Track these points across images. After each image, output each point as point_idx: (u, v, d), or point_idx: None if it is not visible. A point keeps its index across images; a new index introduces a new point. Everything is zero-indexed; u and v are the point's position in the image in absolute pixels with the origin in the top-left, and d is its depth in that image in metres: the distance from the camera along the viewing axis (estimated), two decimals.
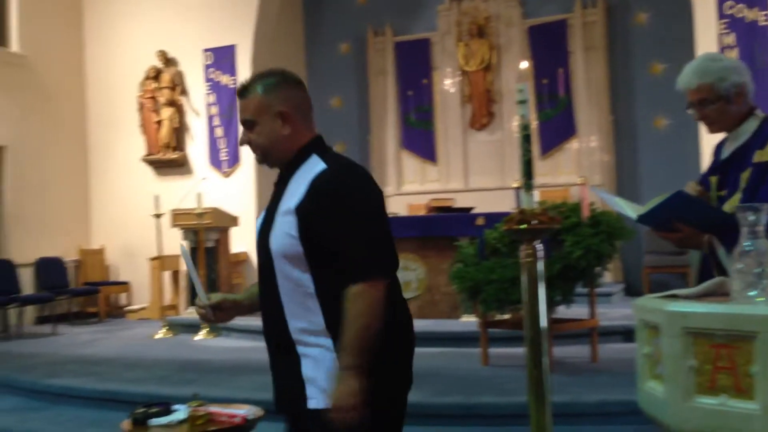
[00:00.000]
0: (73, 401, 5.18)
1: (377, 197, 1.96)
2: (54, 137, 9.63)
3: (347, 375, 1.81)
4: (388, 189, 10.45)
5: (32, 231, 9.14)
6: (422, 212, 8.77)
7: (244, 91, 2.04)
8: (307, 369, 1.91)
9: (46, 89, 9.57)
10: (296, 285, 1.93)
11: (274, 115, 2.00)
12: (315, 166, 1.96)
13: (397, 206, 10.05)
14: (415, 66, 10.52)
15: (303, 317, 1.92)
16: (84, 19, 10.23)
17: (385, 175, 10.54)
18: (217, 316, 2.23)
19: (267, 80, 2.04)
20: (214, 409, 2.91)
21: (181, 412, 2.94)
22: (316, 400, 1.88)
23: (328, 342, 1.89)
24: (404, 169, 10.67)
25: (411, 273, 7.11)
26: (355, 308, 1.83)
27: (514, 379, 4.79)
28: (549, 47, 9.80)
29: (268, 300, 2.01)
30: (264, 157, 2.05)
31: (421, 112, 10.53)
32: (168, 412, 2.96)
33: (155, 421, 2.88)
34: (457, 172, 10.32)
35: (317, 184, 1.91)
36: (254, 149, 2.05)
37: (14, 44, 9.27)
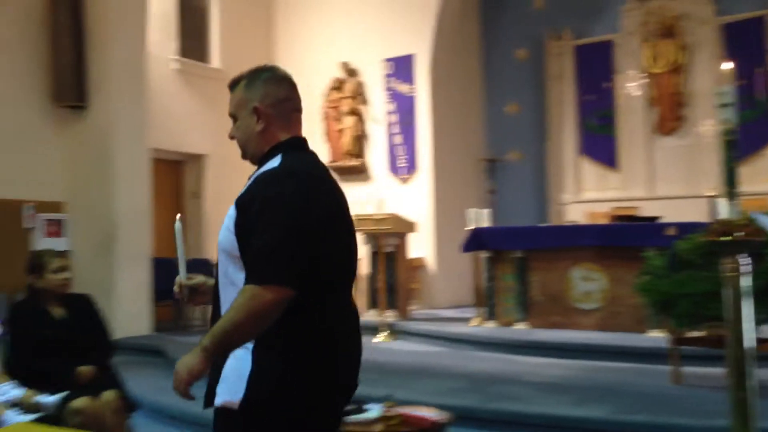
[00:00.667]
0: None
1: (310, 207, 1.88)
2: None
3: (195, 352, 1.83)
4: (566, 197, 10.20)
5: None
6: (603, 220, 8.47)
7: (232, 85, 2.10)
8: (227, 368, 1.91)
9: None
10: (231, 283, 1.93)
11: (251, 111, 2.03)
12: (271, 164, 1.97)
13: (575, 214, 9.78)
14: (595, 69, 10.18)
15: None
16: (275, 35, 10.91)
17: (563, 182, 10.30)
18: (194, 299, 2.27)
19: (251, 76, 2.08)
20: (406, 410, 2.99)
21: (374, 411, 3.04)
22: (221, 396, 1.90)
23: (251, 344, 1.88)
24: (583, 176, 10.35)
25: (592, 283, 6.89)
26: (236, 301, 1.82)
27: (710, 400, 4.48)
28: (745, 46, 9.11)
29: (214, 296, 2.03)
30: (243, 152, 2.09)
31: (601, 117, 10.17)
32: (360, 410, 3.08)
33: (350, 418, 3.00)
34: (640, 179, 9.85)
35: (258, 181, 1.93)
36: (238, 143, 2.09)
37: (214, 60, 10.09)
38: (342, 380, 1.98)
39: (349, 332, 2.02)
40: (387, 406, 2.95)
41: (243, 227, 1.89)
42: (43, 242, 7.60)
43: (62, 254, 4.05)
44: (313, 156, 2.09)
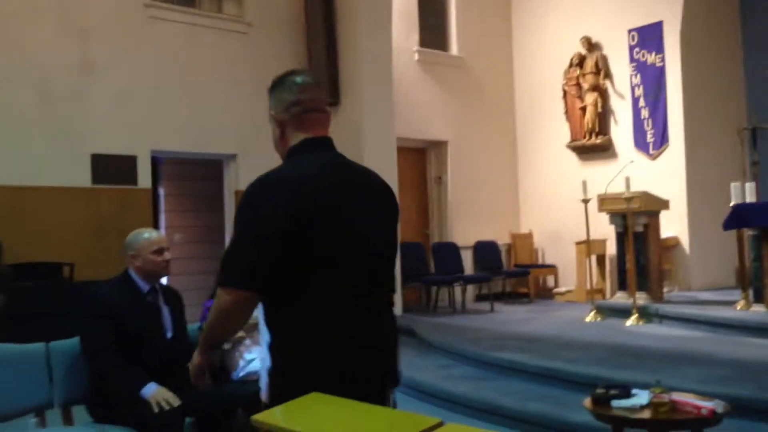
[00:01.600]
0: (519, 375, 5.54)
1: (273, 213, 1.91)
2: (487, 131, 10.44)
3: (197, 351, 2.21)
4: None
5: (471, 217, 10.07)
6: None
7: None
8: (261, 366, 2.10)
9: (480, 87, 10.41)
10: None
11: (271, 119, 2.14)
12: None
13: None
14: None
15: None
16: (512, 18, 10.85)
17: None
18: None
19: (270, 87, 2.16)
20: (677, 397, 2.85)
21: (642, 396, 2.94)
22: (261, 392, 2.07)
23: (265, 343, 2.05)
24: None
25: None
26: (213, 306, 2.05)
27: None
28: None
29: None
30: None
31: None
32: (628, 395, 2.99)
33: (617, 403, 2.92)
34: None
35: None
36: None
37: (453, 48, 10.29)
38: (351, 374, 2.02)
39: (362, 328, 2.05)
40: (655, 392, 2.83)
41: None
42: None
43: None
44: (318, 155, 2.11)
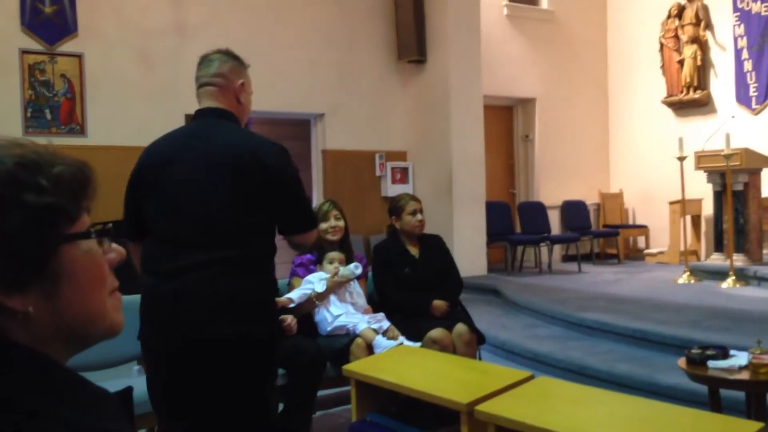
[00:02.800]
0: (606, 336, 5.47)
1: (134, 171, 2.32)
2: (578, 87, 10.14)
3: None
4: None
5: (558, 176, 9.87)
6: None
7: None
8: None
9: (571, 41, 10.09)
10: None
11: None
12: None
13: None
14: None
15: None
16: None
17: None
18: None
19: None
20: None
21: (740, 357, 2.85)
22: None
23: None
24: None
25: None
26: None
27: None
28: None
29: None
30: None
31: None
32: (725, 356, 2.91)
33: (714, 364, 2.85)
34: None
35: None
36: None
37: (543, 1, 9.98)
38: (146, 333, 2.21)
39: (163, 287, 2.16)
40: (755, 353, 2.74)
41: None
42: (390, 189, 8.39)
43: (416, 198, 4.43)
44: (191, 123, 2.42)
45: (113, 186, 7.59)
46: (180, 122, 7.29)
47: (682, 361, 2.97)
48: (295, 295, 3.76)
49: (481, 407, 1.67)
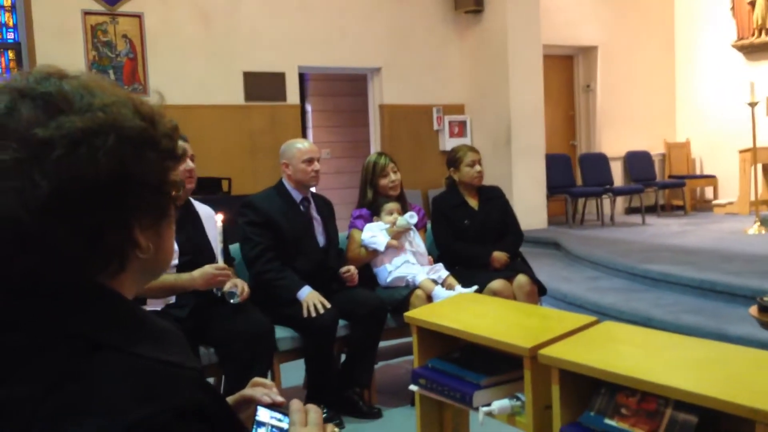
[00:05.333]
0: (672, 287, 5.36)
1: None
2: (641, 33, 9.76)
3: None
4: None
5: (621, 126, 9.60)
6: None
7: None
8: None
9: None
10: None
11: None
12: None
13: None
14: None
15: None
16: None
17: None
18: None
19: None
20: None
21: None
22: None
23: None
24: None
25: None
26: None
27: None
28: None
29: None
30: None
31: None
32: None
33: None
34: None
35: None
36: None
37: None
38: None
39: None
40: None
41: None
42: (448, 143, 8.31)
43: (474, 149, 4.38)
44: None
45: None
46: (238, 80, 7.36)
47: (753, 309, 2.90)
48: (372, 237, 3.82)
49: (544, 351, 1.66)
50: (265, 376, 3.33)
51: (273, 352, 3.31)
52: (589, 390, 1.62)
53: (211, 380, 3.28)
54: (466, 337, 1.88)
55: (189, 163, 3.14)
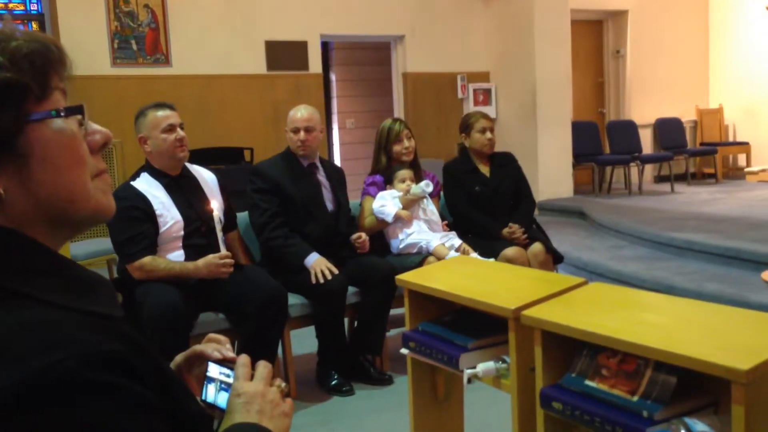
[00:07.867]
0: (696, 255, 5.25)
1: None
2: None
3: None
4: None
5: (651, 92, 9.37)
6: None
7: None
8: None
9: None
10: None
11: None
12: None
13: None
14: None
15: None
16: None
17: None
18: None
19: None
20: None
21: None
22: None
23: None
24: None
25: None
26: None
27: None
28: None
29: None
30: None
31: None
32: None
33: None
34: None
35: None
36: None
37: None
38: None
39: None
40: None
41: None
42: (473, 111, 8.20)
43: (486, 116, 4.31)
44: None
45: (199, 113, 7.82)
46: (260, 50, 7.34)
47: (765, 274, 2.82)
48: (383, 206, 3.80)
49: (527, 312, 1.63)
50: (279, 340, 3.36)
51: (286, 317, 3.33)
52: (573, 352, 1.59)
53: None
54: (452, 299, 1.86)
55: (179, 132, 3.14)
